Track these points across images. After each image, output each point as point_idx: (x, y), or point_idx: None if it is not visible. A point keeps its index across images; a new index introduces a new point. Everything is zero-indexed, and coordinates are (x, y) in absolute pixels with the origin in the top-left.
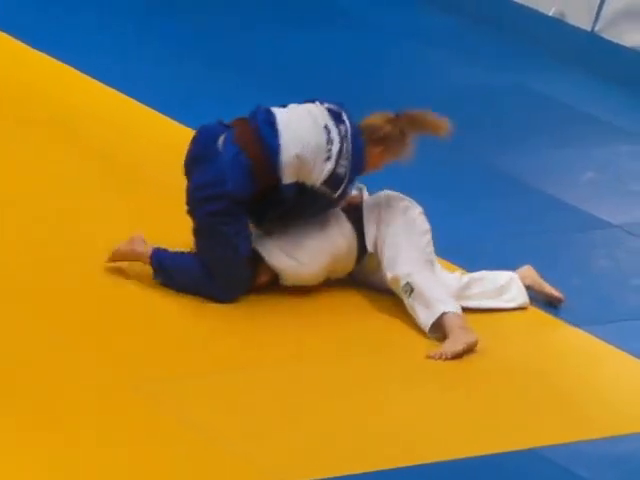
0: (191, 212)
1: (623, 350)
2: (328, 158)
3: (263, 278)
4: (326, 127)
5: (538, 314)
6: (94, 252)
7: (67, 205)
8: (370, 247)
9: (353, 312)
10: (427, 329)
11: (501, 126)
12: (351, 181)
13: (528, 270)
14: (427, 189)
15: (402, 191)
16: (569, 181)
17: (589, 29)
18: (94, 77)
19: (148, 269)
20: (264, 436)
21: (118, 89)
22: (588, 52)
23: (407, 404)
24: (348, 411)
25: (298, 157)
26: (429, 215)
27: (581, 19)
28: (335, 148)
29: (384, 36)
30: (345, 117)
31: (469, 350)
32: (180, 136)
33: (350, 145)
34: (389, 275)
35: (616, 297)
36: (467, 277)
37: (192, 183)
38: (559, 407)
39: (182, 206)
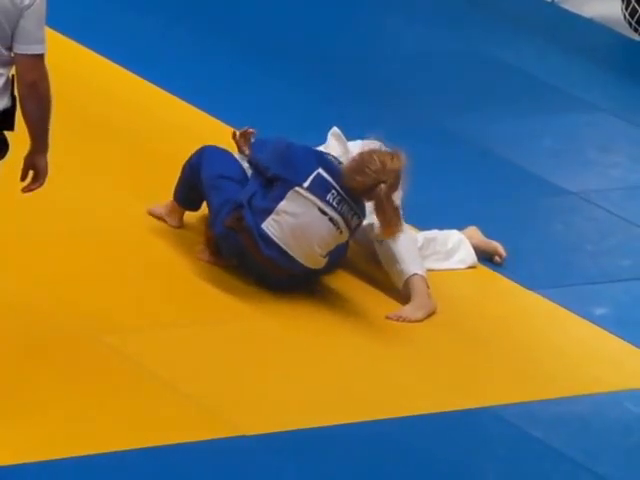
0: None
1: (577, 314)
2: (341, 232)
3: None
4: (321, 210)
5: (495, 278)
6: (74, 207)
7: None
8: None
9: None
10: (399, 285)
11: (461, 93)
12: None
13: (473, 231)
14: None
15: None
16: (528, 148)
17: None
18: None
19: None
20: (231, 389)
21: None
22: (548, 22)
23: (365, 361)
24: (317, 365)
25: (318, 257)
26: None
27: None
28: (342, 225)
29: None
30: (327, 175)
31: (428, 317)
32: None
33: (349, 199)
34: (364, 221)
35: (572, 262)
36: (421, 238)
37: None
38: (514, 367)
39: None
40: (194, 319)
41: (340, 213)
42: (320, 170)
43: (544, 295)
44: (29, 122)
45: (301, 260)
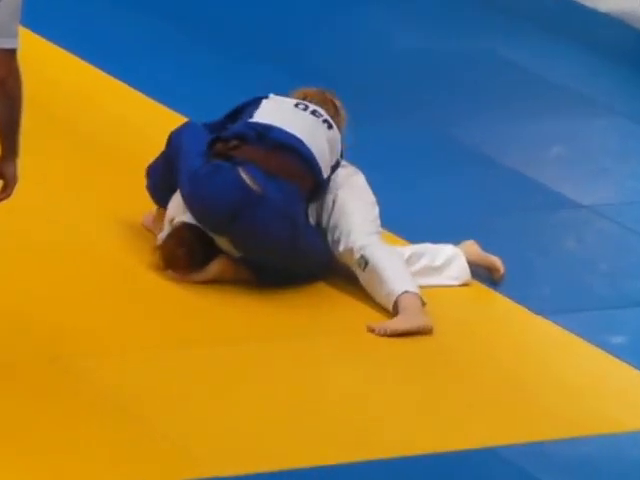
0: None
1: (591, 342)
2: (329, 127)
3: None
4: (297, 105)
5: (495, 298)
6: (33, 222)
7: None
8: (312, 219)
9: (321, 296)
10: (390, 308)
11: (461, 95)
12: None
13: (470, 245)
14: (375, 161)
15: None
16: (535, 156)
17: None
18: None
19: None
20: (199, 421)
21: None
22: (560, 17)
23: (353, 395)
24: (300, 398)
25: (325, 146)
26: (375, 189)
27: None
28: (326, 116)
29: None
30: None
31: (417, 333)
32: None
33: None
34: (341, 248)
35: (584, 284)
36: (409, 251)
37: (255, 240)
38: (519, 403)
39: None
40: (171, 342)
41: (316, 105)
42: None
43: (553, 321)
44: None
45: (308, 144)
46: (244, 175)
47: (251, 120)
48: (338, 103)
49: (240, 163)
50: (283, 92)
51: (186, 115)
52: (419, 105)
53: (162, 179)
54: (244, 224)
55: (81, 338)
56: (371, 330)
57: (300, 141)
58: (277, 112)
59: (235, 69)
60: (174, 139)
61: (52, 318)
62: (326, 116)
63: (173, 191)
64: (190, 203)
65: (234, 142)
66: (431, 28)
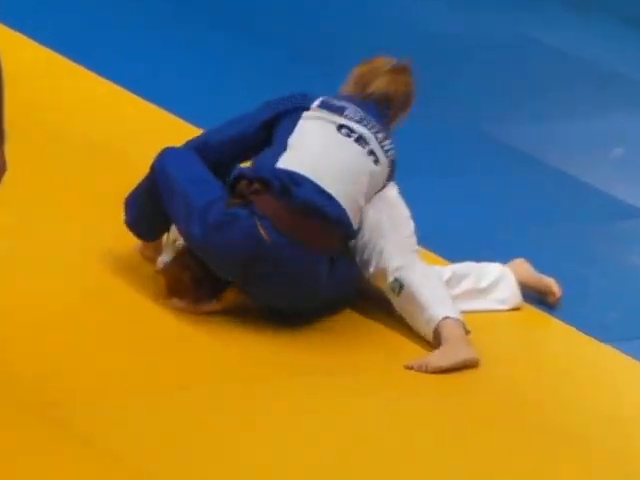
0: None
1: None
2: (376, 160)
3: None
4: (341, 127)
5: (558, 328)
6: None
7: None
8: None
9: (347, 325)
10: (430, 337)
11: (502, 87)
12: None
13: (520, 264)
14: (401, 164)
15: None
16: (591, 158)
17: None
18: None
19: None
20: (195, 472)
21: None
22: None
23: (384, 443)
24: (307, 449)
25: (363, 188)
26: (409, 197)
27: None
28: (373, 145)
29: None
30: (335, 100)
31: (461, 368)
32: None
33: (372, 119)
34: (372, 269)
35: None
36: (450, 271)
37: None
38: (581, 450)
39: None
40: (168, 385)
41: (367, 127)
42: (323, 98)
43: (619, 349)
44: None
45: (339, 199)
46: (262, 230)
47: (278, 166)
48: (409, 89)
49: (258, 215)
50: (304, 79)
51: (188, 113)
52: (450, 98)
53: (145, 211)
54: (257, 277)
55: (68, 382)
56: (409, 368)
57: (330, 198)
58: (313, 145)
59: (251, 53)
60: (158, 169)
61: (37, 359)
62: (373, 144)
63: (157, 223)
64: (200, 248)
65: (256, 186)
66: (467, 10)
